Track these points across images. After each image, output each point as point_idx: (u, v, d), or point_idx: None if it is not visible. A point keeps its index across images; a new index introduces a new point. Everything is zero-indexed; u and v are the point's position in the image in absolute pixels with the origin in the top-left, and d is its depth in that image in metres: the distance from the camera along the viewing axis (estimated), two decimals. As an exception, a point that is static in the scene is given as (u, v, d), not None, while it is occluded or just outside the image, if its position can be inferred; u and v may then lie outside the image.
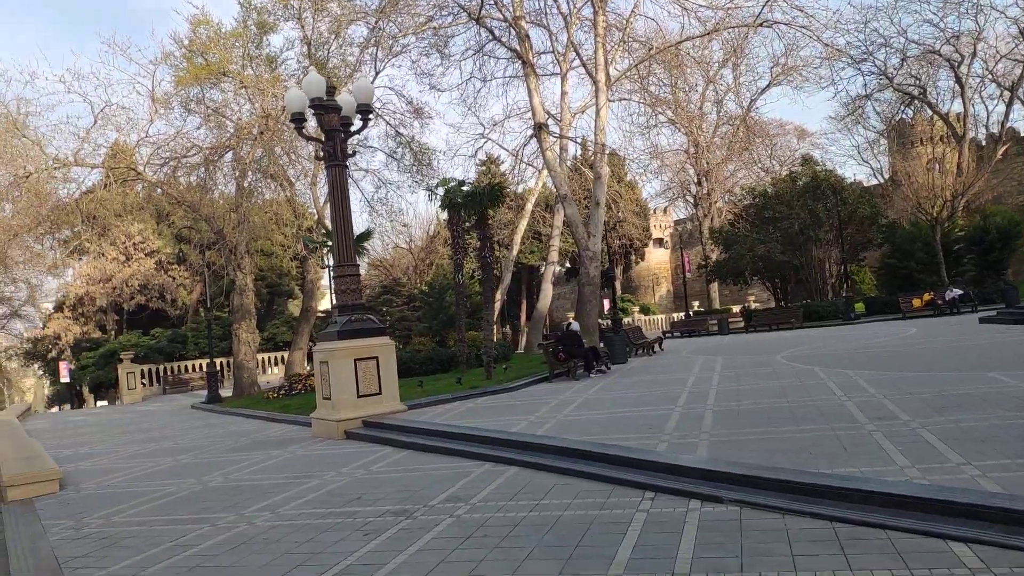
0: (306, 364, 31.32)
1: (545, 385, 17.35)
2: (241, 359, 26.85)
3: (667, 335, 32.86)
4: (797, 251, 44.08)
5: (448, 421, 12.84)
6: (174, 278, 48.94)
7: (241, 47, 27.95)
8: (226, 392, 28.85)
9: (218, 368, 31.10)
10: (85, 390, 44.60)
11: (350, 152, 15.05)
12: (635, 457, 8.26)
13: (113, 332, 48.23)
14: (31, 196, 24.72)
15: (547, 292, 31.49)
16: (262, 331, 37.96)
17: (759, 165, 56.41)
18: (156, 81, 27.14)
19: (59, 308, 52.66)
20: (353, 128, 15.24)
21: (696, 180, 56.38)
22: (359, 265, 15.08)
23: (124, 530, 8.14)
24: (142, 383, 37.19)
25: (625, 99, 35.21)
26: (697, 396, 12.88)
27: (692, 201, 59.63)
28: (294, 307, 53.51)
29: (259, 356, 33.83)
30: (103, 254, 47.68)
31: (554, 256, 31.74)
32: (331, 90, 14.75)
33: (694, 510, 6.79)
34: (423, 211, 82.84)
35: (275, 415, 18.86)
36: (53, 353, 49.08)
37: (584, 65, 28.70)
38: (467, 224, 19.35)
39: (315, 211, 30.22)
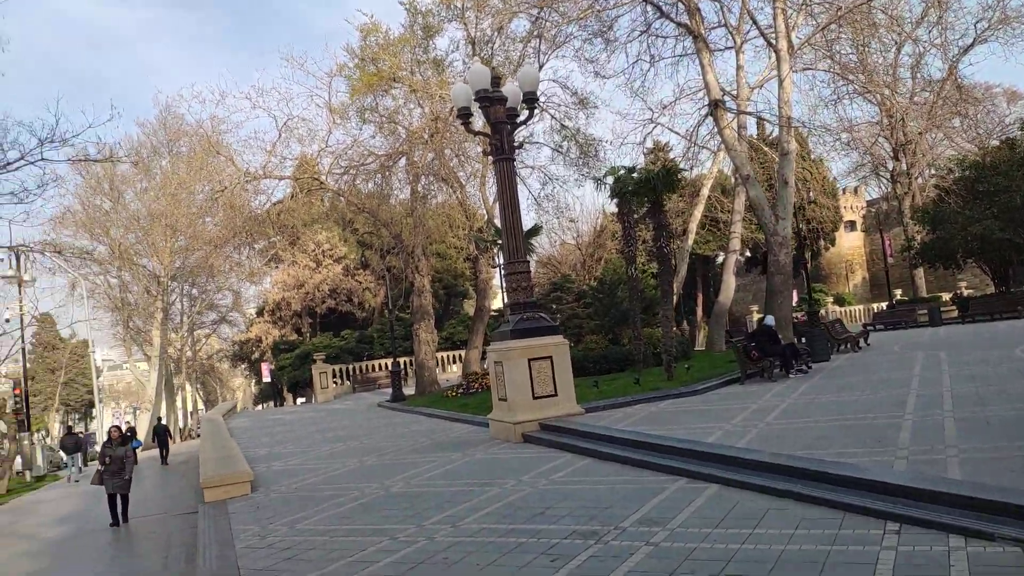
0: (481, 363, 31.55)
1: (736, 387, 15.86)
2: (422, 358, 27.44)
3: (869, 328, 29.61)
4: (1020, 228, 38.36)
5: (631, 427, 11.87)
6: (360, 282, 51.71)
7: (409, 52, 28.56)
8: (409, 390, 29.66)
9: (401, 367, 32.14)
10: (284, 389, 48.18)
11: (517, 144, 14.48)
12: (869, 478, 6.86)
13: (307, 334, 51.76)
14: (227, 209, 26.66)
15: (729, 284, 29.44)
16: (440, 331, 38.93)
17: (967, 135, 49.94)
18: (332, 92, 28.36)
19: (260, 313, 57.52)
20: (520, 119, 14.69)
21: (892, 154, 50.95)
22: (529, 261, 14.50)
23: (306, 540, 7.98)
24: (334, 382, 39.40)
25: (810, 68, 32.20)
26: (928, 400, 10.97)
27: (888, 178, 54.03)
28: (469, 307, 54.67)
29: (438, 355, 34.63)
30: (296, 262, 51.34)
31: (736, 244, 29.63)
32: (496, 81, 14.28)
33: (958, 548, 5.40)
34: (590, 204, 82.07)
35: (454, 415, 18.81)
36: (256, 355, 53.62)
37: (762, 34, 26.43)
38: (638, 213, 18.20)
39: (485, 211, 30.31)
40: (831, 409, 11.45)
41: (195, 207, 28.07)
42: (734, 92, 29.56)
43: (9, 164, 13.84)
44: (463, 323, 44.97)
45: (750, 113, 28.67)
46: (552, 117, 32.49)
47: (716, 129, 26.01)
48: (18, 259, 30.73)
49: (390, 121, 28.43)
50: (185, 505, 13.43)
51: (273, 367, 48.99)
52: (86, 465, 33.58)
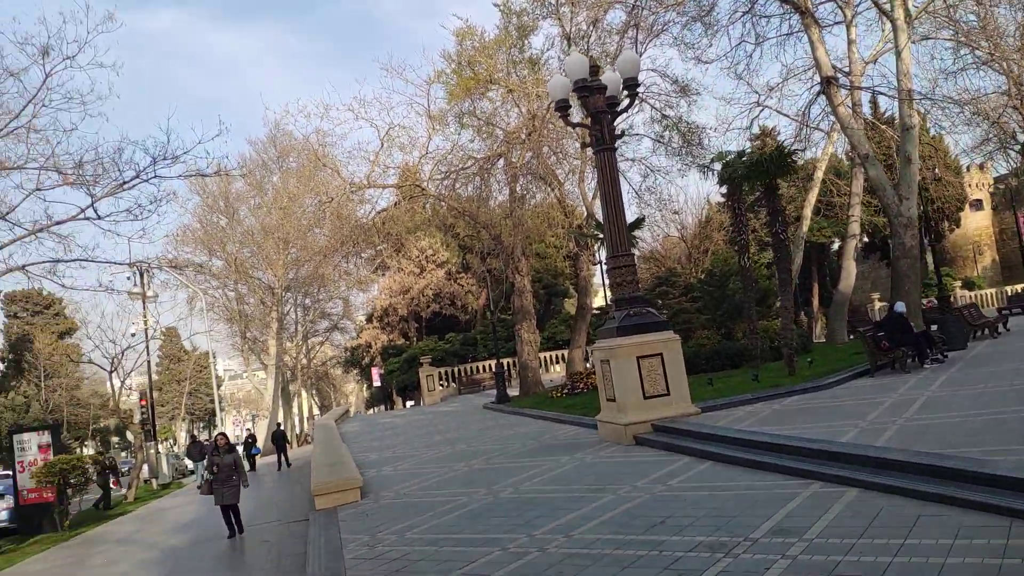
0: (585, 362, 30.97)
1: (866, 381, 14.61)
2: (525, 359, 27.15)
3: (1006, 312, 27.02)
4: None
5: (753, 427, 11.02)
6: (462, 286, 52.18)
7: (504, 53, 28.39)
8: (513, 391, 29.45)
9: (505, 368, 32.00)
10: (393, 392, 49.17)
11: (618, 133, 13.87)
12: (1049, 483, 5.90)
13: (414, 339, 52.69)
14: (334, 219, 27.30)
15: (850, 271, 27.57)
16: (541, 330, 38.62)
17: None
18: (431, 99, 28.57)
19: (369, 319, 59.09)
20: (620, 107, 14.09)
21: (1022, 126, 46.63)
22: (633, 255, 13.85)
23: (415, 550, 7.71)
24: (440, 384, 39.81)
25: (929, 38, 29.78)
26: (1102, 391, 9.61)
27: (1019, 151, 49.51)
28: (570, 306, 54.12)
29: (541, 355, 34.28)
30: (401, 268, 52.38)
31: (855, 228, 27.73)
32: (594, 70, 13.72)
33: None
34: (694, 194, 79.53)
35: (560, 416, 18.36)
36: (366, 360, 55.07)
37: (876, 4, 24.67)
38: (749, 199, 17.13)
39: (584, 208, 29.71)
40: (978, 401, 10.23)
41: (304, 219, 28.89)
42: (846, 69, 27.75)
43: (126, 183, 14.58)
44: (564, 322, 44.49)
45: (866, 88, 26.81)
46: (652, 107, 31.55)
47: (829, 108, 24.43)
48: (142, 276, 32.66)
49: (487, 124, 28.36)
50: (299, 511, 13.58)
51: (382, 371, 50.13)
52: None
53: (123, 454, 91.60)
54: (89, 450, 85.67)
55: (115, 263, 15.63)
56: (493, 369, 32.38)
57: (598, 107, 13.51)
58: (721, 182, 19.65)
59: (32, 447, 18.19)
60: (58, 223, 14.46)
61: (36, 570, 12.78)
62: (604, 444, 13.12)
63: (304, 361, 72.96)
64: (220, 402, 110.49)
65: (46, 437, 18.37)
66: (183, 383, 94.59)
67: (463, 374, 41.97)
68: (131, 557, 11.86)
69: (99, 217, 14.27)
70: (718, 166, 19.38)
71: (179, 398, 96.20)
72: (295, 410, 74.70)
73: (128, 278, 30.25)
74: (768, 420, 11.50)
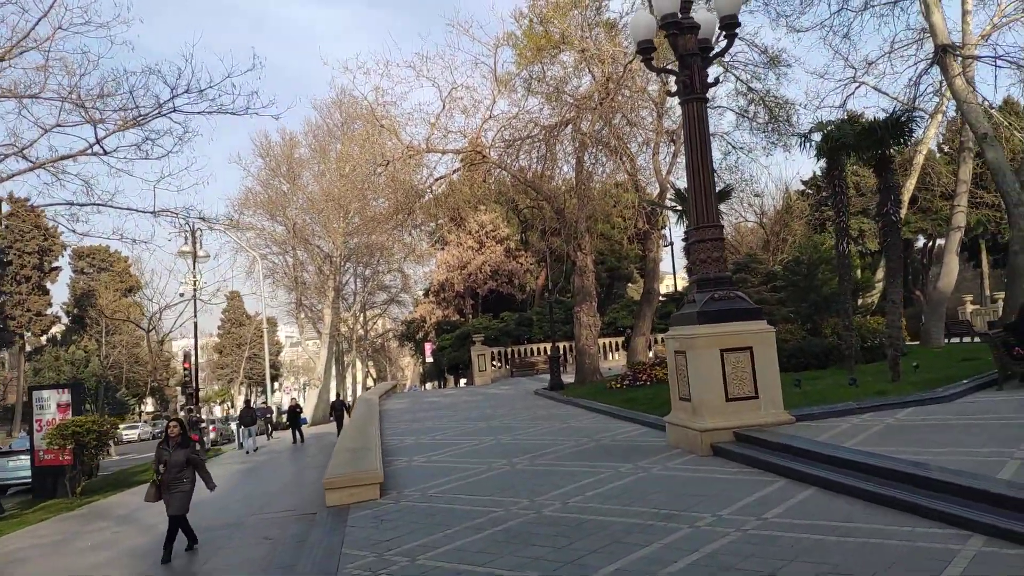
0: (648, 351, 28.68)
1: (997, 394, 12.06)
2: (583, 344, 25.08)
3: None
4: None
5: (870, 447, 8.74)
6: (521, 264, 50.28)
7: (580, 13, 26.06)
8: (568, 377, 27.43)
9: (560, 352, 30.00)
10: (445, 370, 47.79)
11: (711, 81, 11.58)
12: None
13: (469, 315, 51.16)
14: (390, 183, 25.65)
15: (951, 267, 24.48)
16: (602, 315, 36.36)
17: None
18: (498, 61, 26.49)
19: (426, 294, 57.87)
20: (714, 52, 11.82)
21: None
22: (722, 226, 11.59)
23: (425, 588, 5.83)
24: (492, 365, 38.09)
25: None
26: None
27: None
28: (633, 291, 51.68)
29: (600, 341, 32.07)
30: (460, 242, 50.77)
31: (960, 220, 24.56)
32: (686, 5, 11.45)
33: None
34: (776, 177, 75.27)
35: (620, 411, 16.28)
36: (420, 334, 53.85)
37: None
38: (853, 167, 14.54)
39: (658, 184, 27.31)
40: None
41: (362, 184, 27.29)
42: (958, 43, 24.54)
43: (142, 117, 13.07)
44: (627, 308, 42.13)
45: (987, 58, 23.48)
46: (737, 79, 28.82)
47: (942, 81, 21.44)
48: (193, 235, 31.76)
49: (557, 91, 26.15)
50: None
51: (435, 347, 48.81)
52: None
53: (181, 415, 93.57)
54: (148, 407, 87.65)
55: (136, 210, 14.27)
56: (548, 352, 30.46)
57: (688, 49, 11.26)
58: (819, 155, 17.04)
59: (51, 406, 17.15)
60: (61, 158, 13.10)
61: (12, 549, 11.50)
62: (673, 451, 11.02)
63: (361, 332, 72.62)
64: (279, 368, 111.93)
65: (66, 396, 17.31)
66: (243, 347, 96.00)
67: (516, 355, 40.14)
68: (120, 542, 10.43)
69: (105, 152, 12.88)
70: (817, 136, 16.79)
71: (239, 362, 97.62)
72: (348, 381, 74.55)
73: (168, 238, 29.37)
74: (885, 438, 9.19)
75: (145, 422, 69.04)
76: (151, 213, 14.18)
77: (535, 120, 25.74)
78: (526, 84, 27.00)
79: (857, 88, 29.97)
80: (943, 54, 20.48)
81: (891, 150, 14.53)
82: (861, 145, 14.50)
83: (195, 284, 32.11)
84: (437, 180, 27.37)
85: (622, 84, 23.32)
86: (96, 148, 12.72)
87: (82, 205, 13.69)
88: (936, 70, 22.89)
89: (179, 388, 33.61)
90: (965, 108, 20.57)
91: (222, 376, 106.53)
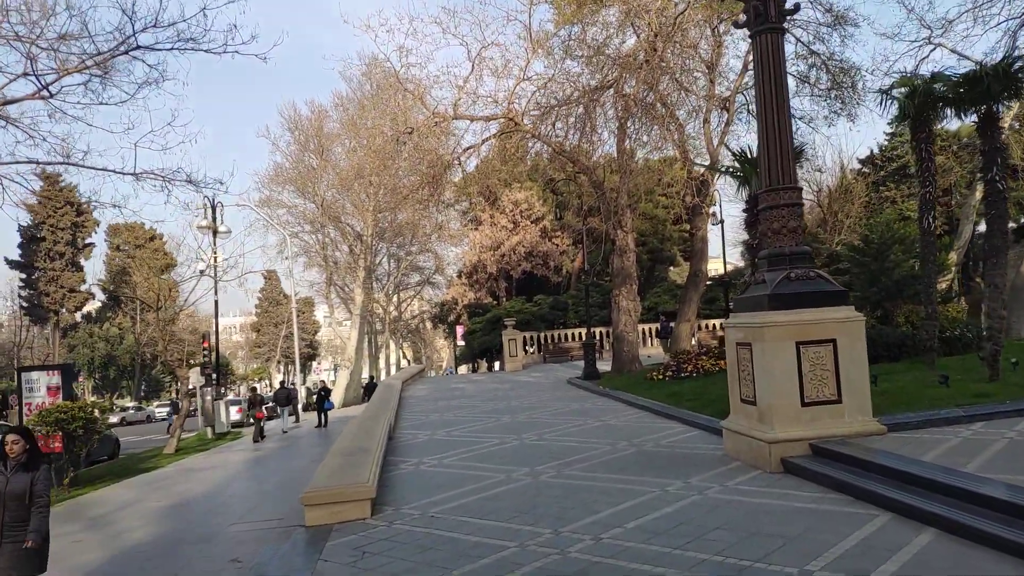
0: (692, 339, 26.46)
1: None
2: (621, 330, 22.99)
3: None
4: None
5: (991, 471, 6.59)
6: (556, 245, 48.21)
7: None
8: (604, 366, 25.36)
9: (596, 339, 28.00)
10: (477, 355, 46.10)
11: (789, 7, 9.38)
12: None
13: (502, 298, 49.32)
14: (413, 153, 23.81)
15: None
16: (642, 299, 34.18)
17: None
18: (533, 18, 24.37)
19: (459, 275, 56.16)
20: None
21: None
22: (801, 189, 9.42)
23: None
24: (524, 350, 36.18)
25: None
26: None
27: None
28: (676, 275, 49.25)
29: (640, 327, 29.88)
30: (494, 222, 48.84)
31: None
32: (757, -85, 9.25)
33: None
34: (838, 149, 70.82)
35: (663, 407, 14.24)
36: (452, 317, 52.20)
37: None
38: (956, 130, 12.18)
39: (708, 156, 24.93)
40: None
41: (382, 152, 25.48)
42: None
43: (99, 54, 11.33)
44: (669, 292, 39.80)
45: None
46: (797, 40, 26.22)
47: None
48: (213, 209, 30.43)
49: (598, 53, 23.87)
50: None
51: (466, 330, 47.11)
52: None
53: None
54: (189, 385, 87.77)
55: (113, 171, 12.57)
56: (583, 338, 28.42)
57: (761, -32, 9.09)
58: (902, 116, 14.67)
59: (41, 388, 15.77)
60: (6, 103, 11.45)
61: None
62: (732, 464, 8.98)
63: (394, 313, 71.32)
64: (316, 348, 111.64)
65: (56, 378, 15.94)
66: (280, 326, 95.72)
67: (550, 341, 38.15)
68: (70, 557, 8.78)
69: (52, 96, 11.20)
70: (902, 91, 14.41)
71: (276, 340, 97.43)
72: (382, 363, 73.43)
73: (195, 212, 28.04)
74: (1017, 461, 7.02)
75: (173, 401, 68.87)
76: (131, 175, 12.55)
77: (573, 83, 23.54)
78: (564, 46, 24.78)
79: (932, 51, 27.08)
80: (1044, 4, 17.75)
81: (999, 105, 12.12)
82: (963, 98, 12.13)
83: (215, 260, 30.76)
84: (466, 150, 25.36)
85: (671, 39, 21.00)
86: (44, 92, 11.04)
87: (47, 164, 12.13)
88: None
89: (197, 368, 32.26)
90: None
91: (259, 355, 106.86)
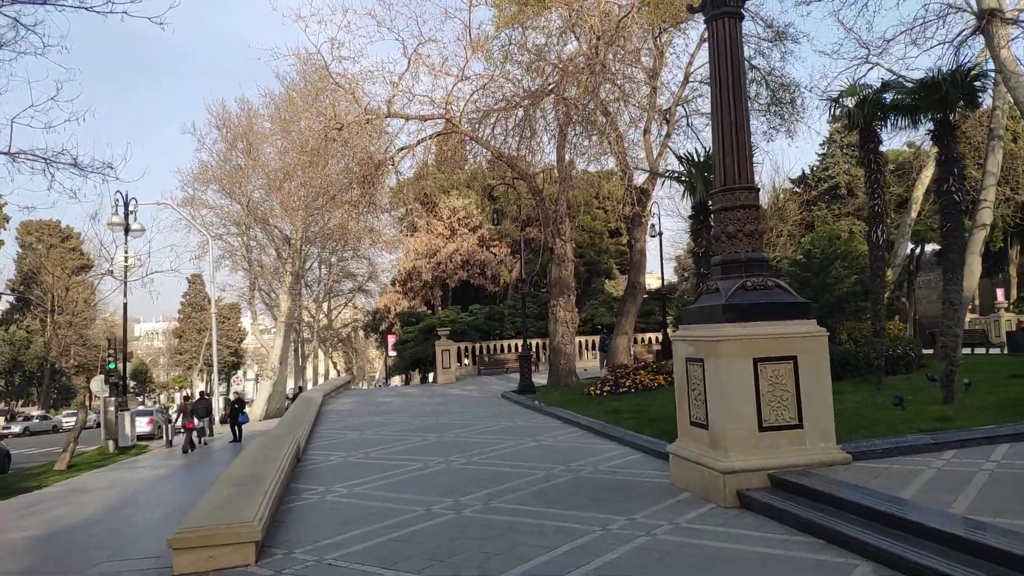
0: (630, 353, 25.66)
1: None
2: (558, 341, 22.02)
3: None
4: None
5: (978, 512, 5.73)
6: (495, 254, 47.17)
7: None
8: (540, 378, 24.37)
9: (532, 350, 26.97)
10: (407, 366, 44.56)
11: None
12: None
13: (438, 307, 47.93)
14: (342, 150, 22.39)
15: (974, 268, 21.84)
16: (579, 311, 33.40)
17: None
18: (473, 19, 23.25)
19: (393, 283, 54.49)
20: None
21: None
22: (758, 190, 8.55)
23: None
24: (458, 362, 34.91)
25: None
26: None
27: None
28: (612, 288, 48.79)
29: (577, 339, 29.02)
30: (430, 228, 47.47)
31: (986, 217, 21.86)
32: None
33: None
34: (779, 163, 72.27)
35: (603, 426, 13.22)
36: (383, 326, 50.50)
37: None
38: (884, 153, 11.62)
39: (648, 165, 24.22)
40: None
41: (309, 148, 23.93)
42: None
43: None
44: (606, 304, 39.17)
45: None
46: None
47: (987, 50, 18.62)
48: (127, 205, 28.25)
49: (539, 59, 22.94)
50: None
51: (398, 340, 45.51)
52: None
53: (141, 400, 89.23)
54: (107, 393, 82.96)
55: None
56: (519, 350, 27.39)
57: (720, -55, 8.21)
58: (852, 126, 14.17)
59: None
60: None
61: None
62: (681, 496, 7.96)
63: (324, 321, 68.83)
64: (241, 356, 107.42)
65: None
66: (203, 332, 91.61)
67: (485, 352, 36.99)
68: None
69: None
70: (851, 100, 13.91)
71: (199, 348, 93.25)
72: (309, 373, 70.77)
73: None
74: (1004, 498, 6.19)
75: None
76: (4, 154, 10.82)
77: (514, 85, 22.56)
78: (504, 50, 23.78)
79: (870, 70, 27.48)
80: (987, 20, 17.66)
81: (954, 114, 11.61)
82: (918, 106, 11.57)
83: (126, 260, 28.52)
84: (400, 151, 24.05)
85: (613, 43, 20.26)
86: None
87: None
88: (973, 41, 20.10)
89: (100, 376, 29.75)
90: (1011, 85, 17.79)
91: (181, 363, 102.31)
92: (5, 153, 10.86)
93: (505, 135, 24.07)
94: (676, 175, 15.58)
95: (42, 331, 63.39)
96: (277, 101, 45.63)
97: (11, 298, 68.04)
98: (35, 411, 62.48)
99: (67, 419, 53.29)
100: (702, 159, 13.77)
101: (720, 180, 8.29)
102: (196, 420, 24.43)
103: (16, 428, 50.89)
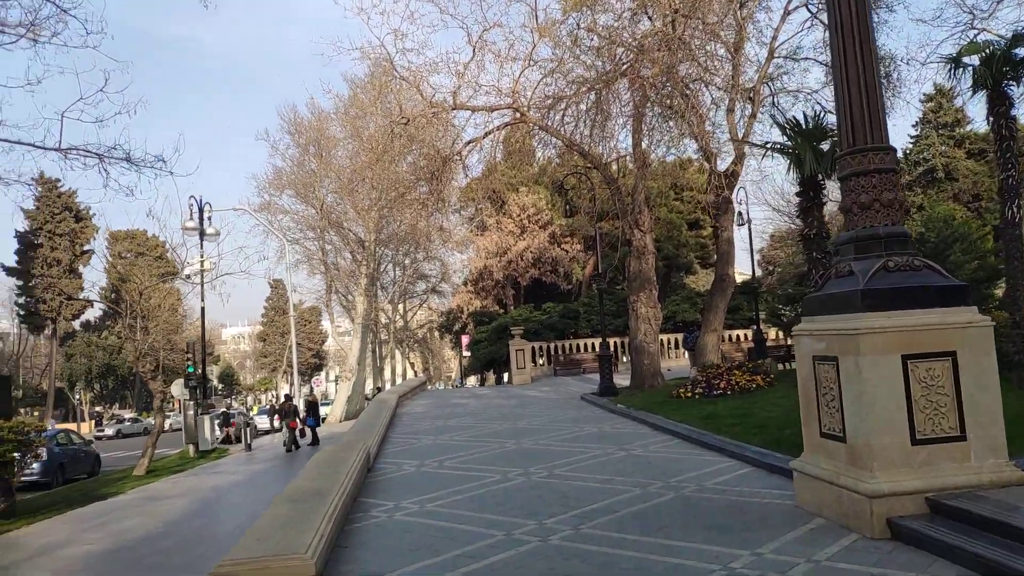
0: (718, 351, 24.02)
1: None
2: (640, 340, 20.64)
3: None
4: None
5: None
6: (566, 251, 45.97)
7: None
8: (622, 380, 23.02)
9: (612, 350, 25.63)
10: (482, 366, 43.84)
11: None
12: None
13: (509, 306, 47.08)
14: (406, 143, 21.67)
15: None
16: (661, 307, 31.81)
17: None
18: (539, 2, 22.16)
19: (464, 283, 53.96)
20: None
21: None
22: (895, 150, 7.08)
23: None
24: (533, 361, 33.85)
25: None
26: None
27: None
28: (693, 283, 46.84)
29: (660, 337, 27.51)
30: (500, 227, 46.67)
31: None
32: None
33: None
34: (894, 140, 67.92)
35: (700, 433, 11.88)
36: (457, 326, 49.97)
37: None
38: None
39: (732, 148, 22.60)
40: None
41: (376, 145, 23.36)
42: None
43: None
44: (688, 300, 37.36)
45: None
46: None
47: None
48: (201, 211, 28.44)
49: (610, 43, 21.62)
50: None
51: (472, 339, 44.86)
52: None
53: (230, 403, 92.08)
54: (186, 397, 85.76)
55: (29, 144, 10.38)
56: (597, 350, 26.12)
57: None
58: (977, 87, 12.40)
59: (-33, 405, 13.58)
60: None
61: None
62: (813, 523, 6.62)
63: (400, 322, 69.02)
64: (323, 358, 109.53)
65: (-15, 395, 13.72)
66: (286, 336, 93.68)
67: (560, 352, 35.81)
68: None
69: None
70: (975, 59, 12.17)
71: (282, 350, 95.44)
72: (387, 373, 71.16)
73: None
74: None
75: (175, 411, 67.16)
76: (56, 151, 10.38)
77: (586, 67, 21.33)
78: (572, 35, 22.56)
79: (977, 35, 24.82)
80: None
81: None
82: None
83: (202, 265, 28.67)
84: (467, 144, 23.13)
85: (692, 16, 18.79)
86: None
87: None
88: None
89: (180, 380, 30.12)
90: None
91: (265, 365, 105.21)
92: (56, 149, 10.42)
93: (577, 121, 22.87)
94: (779, 146, 14.05)
95: (131, 337, 65.70)
96: (345, 103, 45.68)
97: (102, 305, 70.90)
98: (128, 414, 64.90)
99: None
100: (811, 125, 12.19)
101: (847, 140, 6.89)
102: (297, 420, 24.68)
103: (109, 431, 52.86)
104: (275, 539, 6.19)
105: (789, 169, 12.82)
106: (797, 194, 13.50)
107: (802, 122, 12.35)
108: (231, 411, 46.42)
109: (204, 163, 65.77)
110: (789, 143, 12.79)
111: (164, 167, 11.31)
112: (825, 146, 12.19)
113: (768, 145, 15.81)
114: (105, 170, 10.68)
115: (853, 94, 6.78)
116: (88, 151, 10.56)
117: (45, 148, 10.44)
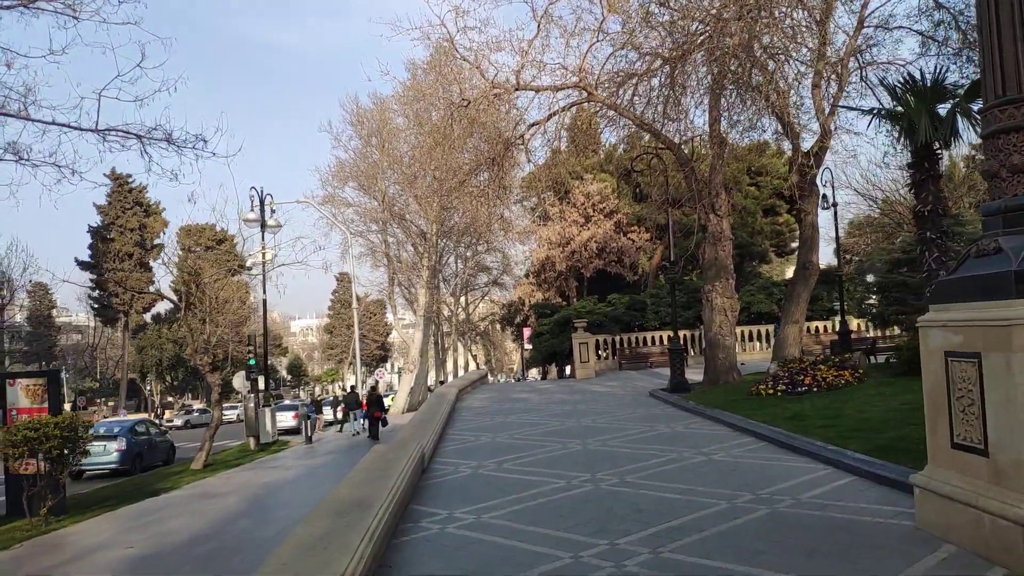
0: (798, 344, 22.44)
1: None
2: (715, 332, 19.32)
3: None
4: None
5: None
6: (632, 240, 44.50)
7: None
8: (692, 374, 21.68)
9: (682, 343, 24.34)
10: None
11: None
12: None
13: (572, 298, 45.98)
14: (467, 126, 20.84)
15: None
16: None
17: None
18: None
19: (527, 275, 53.11)
20: None
21: None
22: (1054, 103, 5.81)
23: None
24: (597, 355, 32.71)
25: None
26: None
27: None
28: (768, 272, 44.76)
29: (736, 330, 26.01)
30: (563, 216, 45.55)
31: None
32: None
33: None
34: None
35: (787, 436, 10.66)
36: (519, 318, 49.17)
37: None
38: None
39: (818, 125, 20.94)
40: None
41: (435, 128, 22.66)
42: None
43: None
44: (764, 290, 35.50)
45: None
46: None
47: None
48: (262, 202, 28.39)
49: (684, 17, 20.25)
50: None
51: (533, 332, 43.97)
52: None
53: (298, 393, 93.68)
54: (248, 389, 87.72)
55: (65, 126, 9.99)
56: (666, 343, 24.84)
57: None
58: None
59: (21, 398, 13.38)
60: None
61: None
62: (943, 552, 5.44)
63: (462, 314, 68.71)
64: (388, 350, 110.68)
65: (40, 385, 13.50)
66: (352, 328, 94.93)
67: (626, 345, 34.54)
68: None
69: None
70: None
71: (348, 342, 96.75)
72: (449, 366, 71.01)
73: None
74: None
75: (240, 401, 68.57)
76: (94, 131, 9.94)
77: (659, 39, 20.09)
78: (643, 8, 21.27)
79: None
80: None
81: None
82: None
83: (263, 257, 28.60)
84: (531, 127, 22.15)
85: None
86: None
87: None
88: None
89: (242, 372, 30.39)
90: None
91: (332, 356, 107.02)
92: (93, 130, 9.98)
93: (648, 97, 21.61)
94: (886, 111, 12.51)
95: (202, 329, 67.38)
96: (406, 88, 45.18)
97: (173, 298, 73.04)
98: (197, 404, 66.56)
99: (228, 412, 56.04)
100: (929, 84, 10.68)
101: (994, 90, 5.63)
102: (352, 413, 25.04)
103: (178, 422, 54.23)
104: (307, 559, 5.39)
105: (900, 136, 11.30)
106: (909, 165, 11.96)
107: (918, 79, 10.83)
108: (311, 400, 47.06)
109: (271, 159, 66.81)
110: (901, 106, 11.27)
111: (204, 147, 10.77)
112: (943, 109, 10.72)
113: (875, 111, 14.15)
114: (147, 152, 10.20)
115: (1005, 34, 5.52)
116: (128, 132, 10.10)
117: (82, 129, 10.03)
